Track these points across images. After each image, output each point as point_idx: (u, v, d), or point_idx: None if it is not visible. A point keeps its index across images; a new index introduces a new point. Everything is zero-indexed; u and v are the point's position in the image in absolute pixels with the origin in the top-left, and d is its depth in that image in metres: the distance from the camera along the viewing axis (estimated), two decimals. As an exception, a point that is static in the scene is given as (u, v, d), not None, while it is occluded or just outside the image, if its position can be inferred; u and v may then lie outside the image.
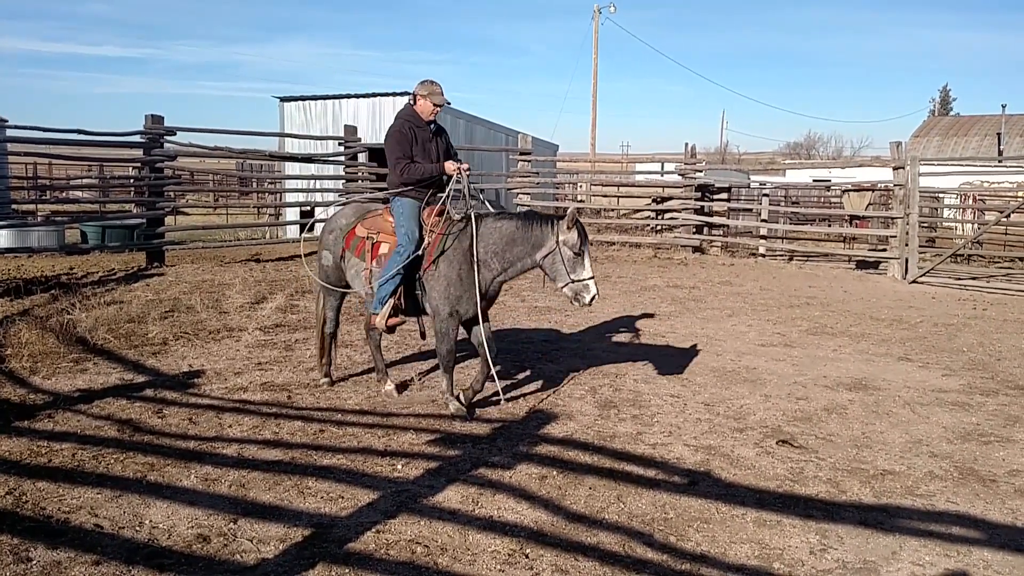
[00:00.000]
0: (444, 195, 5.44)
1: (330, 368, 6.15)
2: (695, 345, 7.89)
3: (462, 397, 5.47)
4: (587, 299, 5.15)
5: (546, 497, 4.08)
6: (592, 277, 5.16)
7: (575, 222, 5.13)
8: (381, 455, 4.60)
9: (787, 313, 9.98)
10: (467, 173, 5.42)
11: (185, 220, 22.81)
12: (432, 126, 5.66)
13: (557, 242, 5.15)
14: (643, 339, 8.22)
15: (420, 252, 5.34)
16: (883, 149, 18.49)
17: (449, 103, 5.69)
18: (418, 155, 5.52)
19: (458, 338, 5.50)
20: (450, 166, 5.44)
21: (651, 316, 9.47)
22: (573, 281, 5.15)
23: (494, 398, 5.73)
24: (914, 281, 13.28)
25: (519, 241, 5.24)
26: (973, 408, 5.92)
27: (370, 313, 5.60)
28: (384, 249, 5.51)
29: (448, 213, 5.41)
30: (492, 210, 5.51)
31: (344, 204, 6.71)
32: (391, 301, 5.41)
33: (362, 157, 17.25)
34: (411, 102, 5.65)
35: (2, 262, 12.50)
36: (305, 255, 7.20)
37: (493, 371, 5.40)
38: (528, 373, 6.62)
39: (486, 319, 5.42)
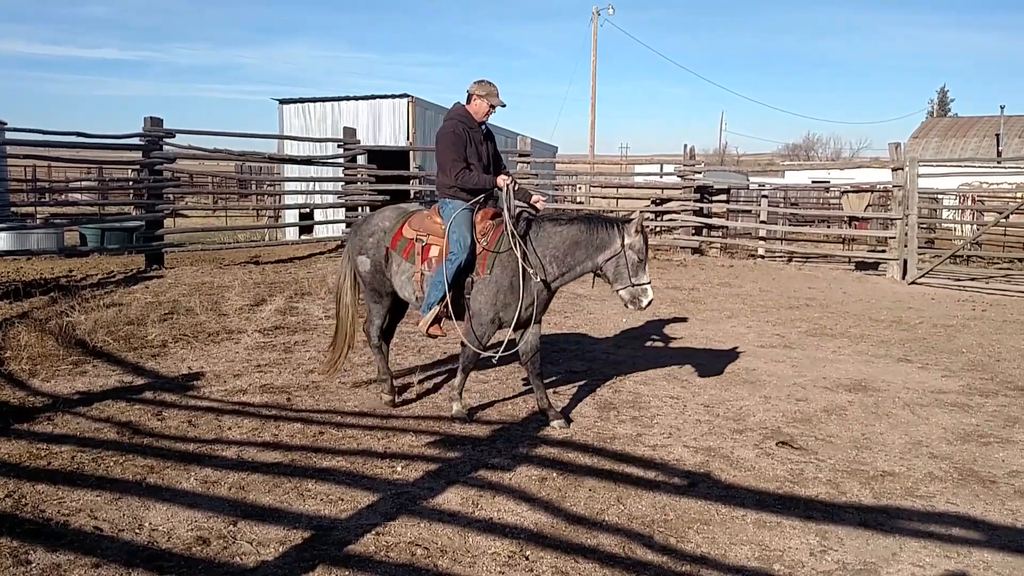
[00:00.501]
0: (497, 203, 5.33)
1: (393, 383, 5.73)
2: (695, 347, 7.89)
3: (458, 405, 5.41)
4: (644, 303, 5.18)
5: (546, 499, 4.08)
6: (649, 281, 5.21)
7: (642, 228, 5.18)
8: (381, 457, 4.60)
9: (786, 314, 9.98)
10: (515, 185, 5.30)
11: (184, 222, 22.82)
12: (483, 128, 5.49)
13: (623, 246, 5.14)
14: (642, 341, 8.21)
15: (472, 257, 5.20)
16: (882, 150, 18.51)
17: (505, 105, 5.48)
18: (471, 157, 5.33)
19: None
20: (502, 180, 5.26)
21: (650, 317, 9.46)
22: (633, 285, 5.16)
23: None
24: (913, 282, 13.29)
25: (582, 245, 5.20)
26: (973, 409, 5.92)
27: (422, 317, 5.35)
28: (435, 252, 5.30)
29: (503, 217, 5.23)
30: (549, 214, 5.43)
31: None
32: (437, 308, 5.22)
33: (361, 159, 17.26)
34: (463, 102, 5.46)
35: (1, 265, 12.49)
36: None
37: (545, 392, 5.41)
38: (527, 375, 6.61)
39: (538, 321, 5.36)
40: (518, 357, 5.50)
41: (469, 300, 5.29)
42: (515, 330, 5.40)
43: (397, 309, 5.86)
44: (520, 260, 5.11)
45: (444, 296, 5.20)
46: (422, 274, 5.32)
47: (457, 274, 5.17)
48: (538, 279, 5.17)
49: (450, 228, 5.21)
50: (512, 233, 5.14)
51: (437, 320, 5.28)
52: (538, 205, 5.48)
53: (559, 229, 5.23)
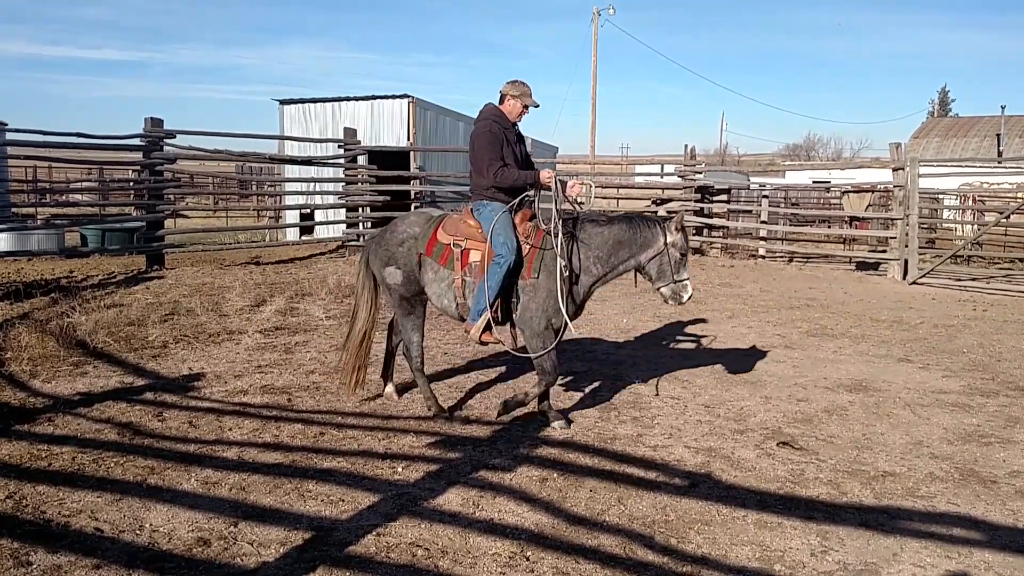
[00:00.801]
0: (532, 205, 5.28)
1: (437, 400, 5.50)
2: (695, 347, 7.89)
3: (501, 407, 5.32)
4: (685, 298, 5.23)
5: (547, 499, 4.08)
6: (689, 277, 5.27)
7: (683, 225, 5.23)
8: (381, 458, 4.60)
9: (787, 315, 9.98)
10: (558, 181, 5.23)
11: (185, 223, 22.83)
12: (516, 128, 5.43)
13: (666, 244, 5.18)
14: (642, 341, 8.21)
15: (520, 260, 5.10)
16: (882, 150, 18.50)
17: (538, 105, 5.43)
18: (507, 158, 5.24)
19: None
20: (545, 175, 5.20)
21: (650, 318, 9.47)
22: (675, 282, 5.21)
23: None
24: (914, 282, 13.28)
25: (626, 245, 5.20)
26: (973, 409, 5.92)
27: (469, 324, 5.18)
28: (475, 257, 5.16)
29: (549, 219, 5.16)
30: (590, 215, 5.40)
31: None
32: (487, 314, 5.07)
33: (361, 160, 17.27)
34: (496, 102, 5.38)
35: (2, 265, 12.50)
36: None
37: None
38: (527, 376, 6.62)
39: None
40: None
41: (518, 307, 5.19)
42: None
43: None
44: (568, 262, 5.09)
45: (493, 301, 5.08)
46: (463, 280, 5.19)
47: (506, 277, 5.06)
48: (585, 280, 5.18)
49: (493, 231, 5.08)
50: (558, 233, 5.09)
51: (488, 326, 5.12)
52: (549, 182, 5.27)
53: (601, 230, 5.21)
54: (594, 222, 5.26)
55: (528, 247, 5.15)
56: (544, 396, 5.35)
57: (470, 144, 5.35)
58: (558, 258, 5.05)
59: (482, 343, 5.20)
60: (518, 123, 5.42)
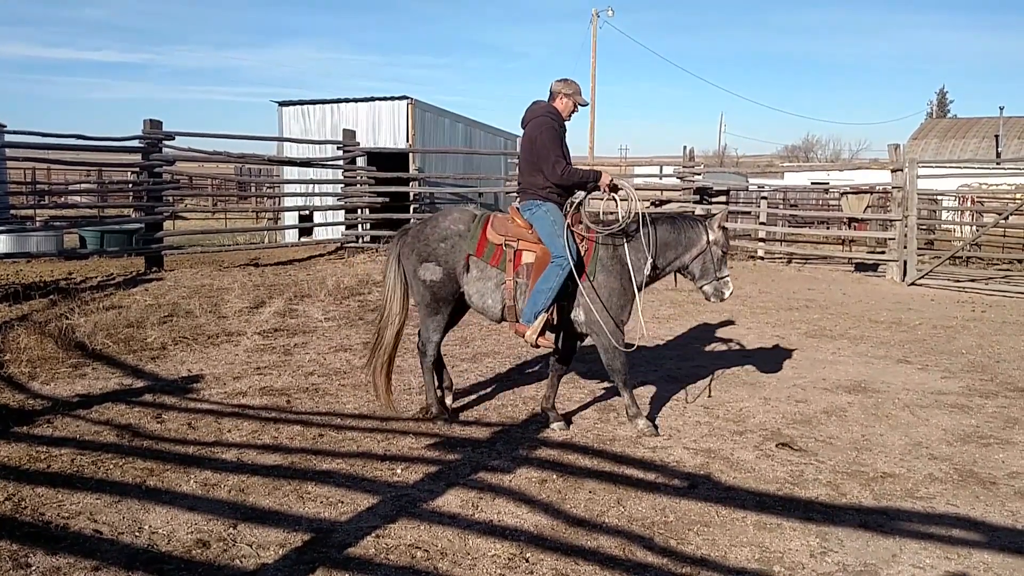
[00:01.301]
0: (579, 207, 5.21)
1: (442, 403, 5.41)
2: (694, 348, 7.89)
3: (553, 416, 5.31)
4: (727, 294, 5.31)
5: (546, 501, 4.08)
6: (728, 274, 5.33)
7: (724, 224, 5.29)
8: (381, 459, 4.60)
9: (786, 316, 9.98)
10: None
11: (184, 225, 22.83)
12: (565, 127, 5.34)
13: (708, 243, 5.23)
14: (642, 342, 8.20)
15: (580, 262, 5.04)
16: (881, 151, 18.51)
17: (587, 103, 5.38)
18: (566, 156, 5.19)
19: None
20: (606, 177, 5.18)
21: (648, 319, 9.46)
22: (718, 279, 5.27)
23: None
24: (913, 283, 13.29)
25: (672, 246, 5.24)
26: (972, 410, 5.92)
27: (524, 325, 5.06)
28: (528, 258, 5.05)
29: (597, 220, 5.17)
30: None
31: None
32: (544, 316, 4.98)
33: (360, 161, 17.27)
34: (543, 100, 5.30)
35: (1, 267, 12.49)
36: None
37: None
38: (528, 376, 6.62)
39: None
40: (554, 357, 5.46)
41: (579, 311, 5.16)
42: (561, 331, 5.32)
43: (452, 321, 5.52)
44: (622, 258, 5.11)
45: (552, 303, 5.00)
46: (515, 282, 5.08)
47: (565, 280, 4.97)
48: (640, 280, 5.20)
49: (552, 231, 5.00)
50: (617, 234, 5.12)
51: (546, 330, 5.05)
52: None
53: (647, 231, 5.21)
54: (640, 224, 5.22)
55: (583, 249, 5.10)
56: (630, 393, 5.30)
57: (529, 141, 5.18)
58: (627, 254, 5.10)
59: (538, 345, 5.09)
60: (567, 121, 5.36)
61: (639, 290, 5.18)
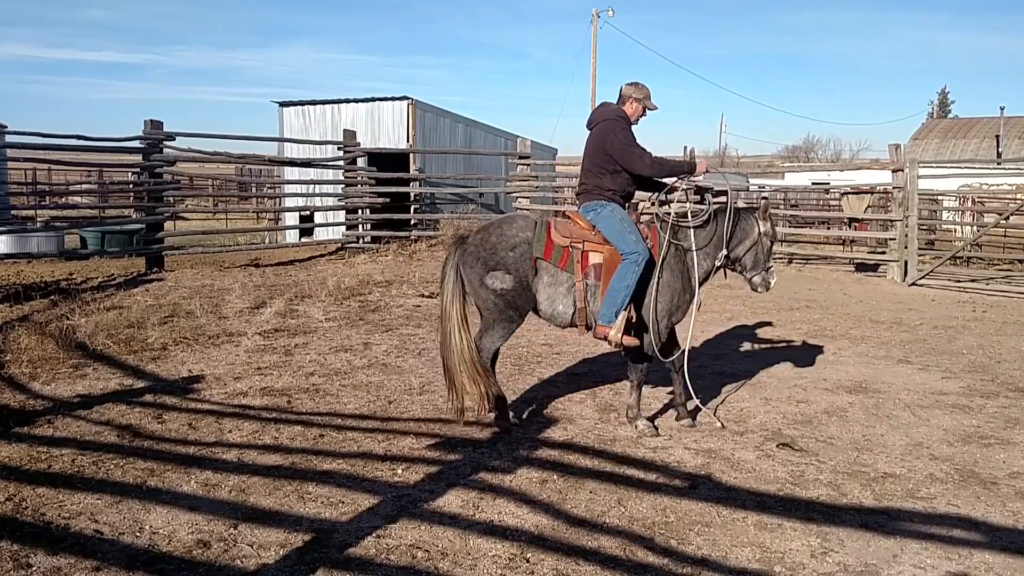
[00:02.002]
0: (636, 208, 5.25)
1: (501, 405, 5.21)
2: (695, 348, 7.88)
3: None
4: (773, 283, 5.45)
5: (547, 501, 4.08)
6: (773, 264, 5.43)
7: (770, 215, 5.34)
8: (381, 460, 4.60)
9: (787, 316, 9.98)
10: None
11: (184, 225, 22.83)
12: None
13: (760, 234, 5.28)
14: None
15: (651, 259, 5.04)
16: (882, 151, 18.49)
17: (656, 108, 5.38)
18: None
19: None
20: (704, 163, 5.32)
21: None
22: (766, 269, 5.34)
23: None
24: (913, 283, 13.29)
25: (737, 238, 5.30)
26: (973, 410, 5.92)
27: (601, 326, 5.02)
28: (596, 259, 5.02)
29: (663, 219, 5.19)
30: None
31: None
32: (624, 315, 4.95)
33: (361, 162, 17.28)
34: (611, 102, 5.31)
35: (2, 268, 12.51)
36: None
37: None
38: (528, 377, 6.62)
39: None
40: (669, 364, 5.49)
41: (645, 307, 5.15)
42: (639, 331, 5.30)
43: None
44: (683, 256, 5.16)
45: (629, 301, 4.97)
46: (585, 285, 5.03)
47: (641, 277, 4.96)
48: (700, 277, 5.26)
49: (621, 229, 5.00)
50: (683, 232, 5.16)
51: (629, 328, 5.01)
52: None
53: (704, 227, 5.24)
54: (696, 219, 5.22)
55: (648, 247, 5.10)
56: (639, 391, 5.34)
57: (596, 143, 5.17)
58: (693, 252, 5.15)
59: (625, 345, 5.04)
60: (635, 125, 5.36)
61: (699, 287, 5.29)
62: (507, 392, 6.09)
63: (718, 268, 5.38)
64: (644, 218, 5.36)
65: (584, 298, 5.03)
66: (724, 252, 5.25)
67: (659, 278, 5.11)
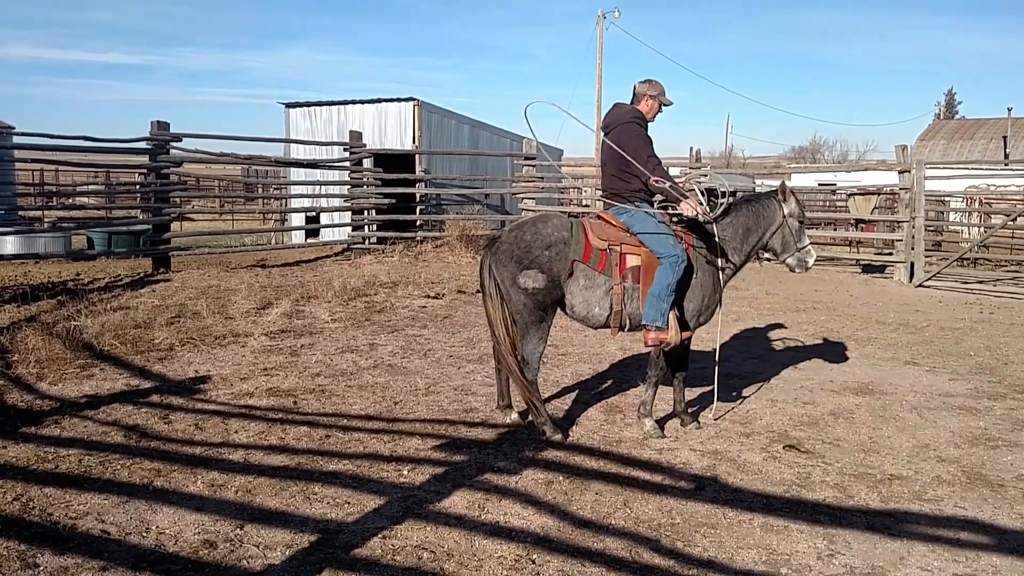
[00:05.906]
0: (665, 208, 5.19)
1: (551, 420, 5.16)
2: (700, 349, 7.86)
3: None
4: (811, 262, 5.41)
5: (552, 502, 4.07)
6: (809, 242, 5.38)
7: (791, 193, 5.30)
8: (387, 461, 4.60)
9: (793, 317, 9.95)
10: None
11: (191, 226, 22.89)
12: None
13: (784, 217, 5.27)
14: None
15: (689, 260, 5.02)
16: (888, 153, 18.44)
17: (672, 103, 5.29)
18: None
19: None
20: (691, 207, 5.15)
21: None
22: (799, 250, 5.33)
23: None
24: (920, 285, 13.24)
25: (753, 230, 5.30)
26: (980, 412, 5.89)
27: (652, 330, 4.97)
28: (633, 262, 4.98)
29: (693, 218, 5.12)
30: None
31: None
32: (673, 316, 4.96)
33: (367, 162, 17.30)
34: (625, 102, 5.24)
35: (9, 268, 12.56)
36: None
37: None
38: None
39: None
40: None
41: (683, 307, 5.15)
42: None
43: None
44: (710, 254, 5.17)
45: (673, 302, 4.94)
46: (623, 287, 4.98)
47: (681, 277, 4.93)
48: (728, 273, 5.28)
49: (657, 230, 4.96)
50: (712, 231, 5.14)
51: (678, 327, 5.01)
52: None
53: (729, 220, 5.25)
54: (721, 214, 5.22)
55: (684, 247, 5.07)
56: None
57: (617, 142, 5.08)
58: (716, 250, 5.15)
59: (681, 343, 5.07)
60: (651, 123, 5.30)
61: (724, 284, 5.31)
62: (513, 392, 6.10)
63: (745, 262, 5.42)
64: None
65: (622, 301, 5.00)
66: (750, 244, 5.28)
67: (695, 279, 5.14)
